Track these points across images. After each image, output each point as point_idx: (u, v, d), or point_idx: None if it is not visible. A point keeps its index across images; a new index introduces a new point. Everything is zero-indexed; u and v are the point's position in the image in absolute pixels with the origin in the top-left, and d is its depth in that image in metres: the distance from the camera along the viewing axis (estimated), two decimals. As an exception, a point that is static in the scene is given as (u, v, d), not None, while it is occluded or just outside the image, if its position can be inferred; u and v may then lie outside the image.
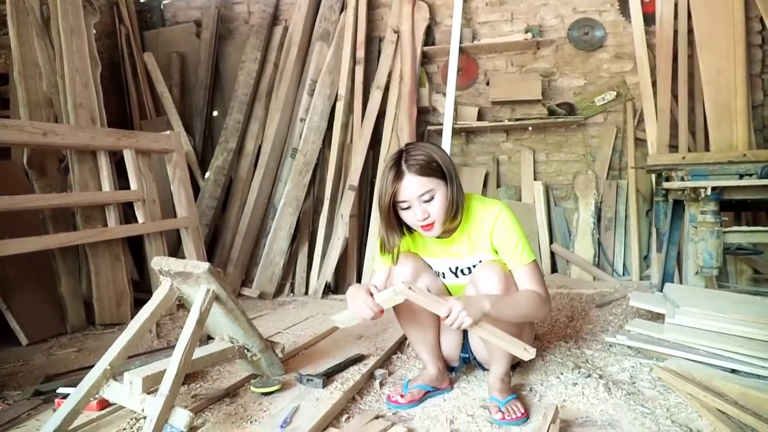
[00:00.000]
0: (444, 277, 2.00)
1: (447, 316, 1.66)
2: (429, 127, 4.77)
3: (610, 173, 4.59)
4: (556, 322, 3.05)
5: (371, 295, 1.73)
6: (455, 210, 1.80)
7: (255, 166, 4.60)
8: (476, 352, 2.10)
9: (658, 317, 2.78)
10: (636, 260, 4.36)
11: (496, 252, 1.89)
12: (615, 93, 4.56)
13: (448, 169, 1.78)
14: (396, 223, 1.87)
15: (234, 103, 4.69)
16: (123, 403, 1.73)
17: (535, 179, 4.73)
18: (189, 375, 2.16)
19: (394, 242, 1.89)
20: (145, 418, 1.68)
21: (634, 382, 2.11)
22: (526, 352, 1.72)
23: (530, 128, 4.75)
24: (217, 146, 4.66)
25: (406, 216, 1.81)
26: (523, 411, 1.83)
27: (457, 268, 1.96)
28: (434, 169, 1.76)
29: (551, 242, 4.61)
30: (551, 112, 4.58)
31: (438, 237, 1.92)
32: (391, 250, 1.91)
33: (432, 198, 1.76)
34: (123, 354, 1.80)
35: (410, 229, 1.92)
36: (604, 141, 4.61)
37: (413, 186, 1.75)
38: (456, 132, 4.74)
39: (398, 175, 1.76)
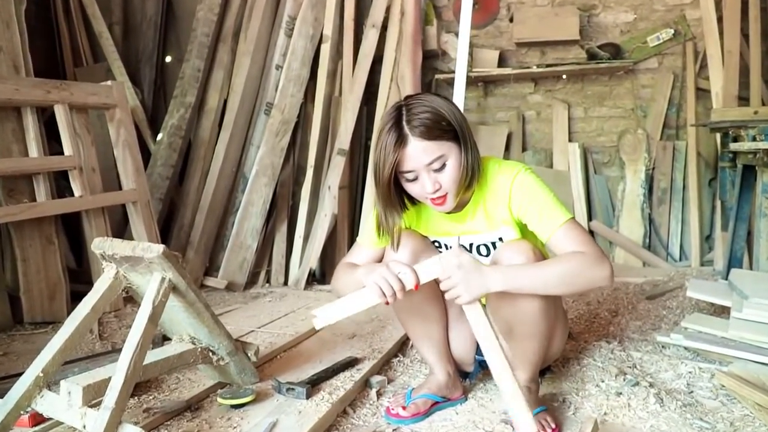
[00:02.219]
0: None
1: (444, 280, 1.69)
2: (437, 76, 4.75)
3: (664, 132, 4.59)
4: (595, 317, 3.08)
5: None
6: (470, 177, 1.80)
7: (220, 125, 4.58)
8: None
9: (722, 311, 2.80)
10: (696, 241, 4.38)
11: (519, 226, 1.89)
12: (672, 31, 4.54)
13: (460, 127, 1.76)
14: (397, 200, 1.86)
15: (192, 46, 4.66)
16: (60, 417, 1.74)
17: (570, 140, 4.73)
18: (140, 384, 2.17)
19: (394, 223, 1.87)
20: (87, 436, 1.70)
21: (692, 391, 2.13)
22: (523, 413, 1.68)
23: (565, 76, 4.74)
24: (171, 101, 4.63)
25: (411, 188, 1.80)
26: (554, 426, 1.84)
27: (471, 245, 1.97)
28: (444, 129, 1.73)
29: (590, 219, 4.62)
30: (591, 56, 4.56)
31: (449, 212, 1.93)
32: (390, 232, 1.90)
33: (443, 166, 1.75)
34: (59, 359, 1.81)
35: (413, 200, 1.91)
36: (657, 92, 4.60)
37: (420, 153, 1.72)
38: (471, 82, 4.72)
39: (400, 140, 1.72)
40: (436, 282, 1.73)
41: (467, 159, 1.78)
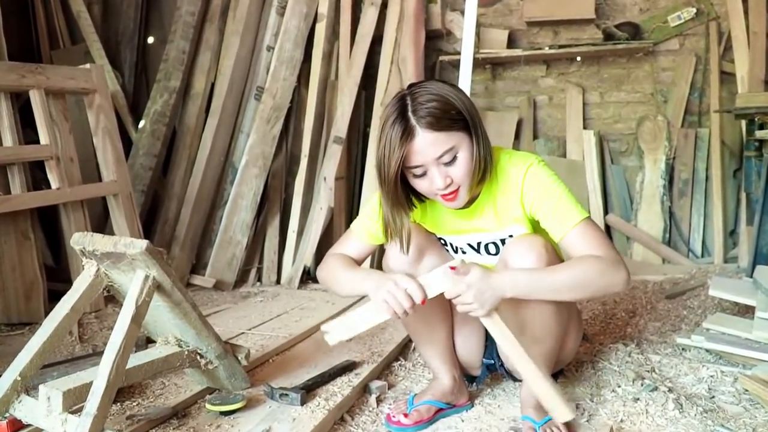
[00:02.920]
0: (464, 253, 2.02)
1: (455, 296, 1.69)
2: (442, 58, 4.75)
3: (686, 119, 4.60)
4: (612, 318, 3.09)
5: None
6: (483, 169, 1.79)
7: (207, 111, 4.59)
8: (505, 356, 2.13)
9: (746, 311, 2.81)
10: (719, 236, 4.39)
11: (531, 223, 1.90)
12: (694, 10, 4.54)
13: (471, 115, 1.75)
14: (404, 198, 1.84)
15: (176, 27, 4.66)
16: (39, 424, 1.76)
17: (585, 127, 4.73)
18: (123, 390, 2.18)
19: (402, 224, 1.86)
20: (67, 445, 1.71)
21: (713, 396, 2.15)
22: (561, 406, 1.70)
23: (579, 58, 4.74)
24: (154, 85, 4.64)
25: (419, 185, 1.79)
26: (565, 434, 1.87)
27: (479, 243, 1.98)
28: (454, 118, 1.72)
29: (606, 212, 4.63)
30: (608, 36, 4.56)
31: (456, 208, 1.94)
32: (399, 234, 1.87)
33: (454, 158, 1.74)
34: (37, 362, 1.82)
35: (420, 197, 1.92)
36: (679, 75, 4.60)
37: (429, 146, 1.71)
38: (478, 64, 4.72)
39: (407, 133, 1.70)
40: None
41: (479, 150, 1.76)
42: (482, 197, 1.90)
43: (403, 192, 1.82)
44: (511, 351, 1.72)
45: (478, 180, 1.80)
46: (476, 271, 1.68)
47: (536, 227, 1.91)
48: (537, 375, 1.70)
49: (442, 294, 1.76)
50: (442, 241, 2.03)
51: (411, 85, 1.80)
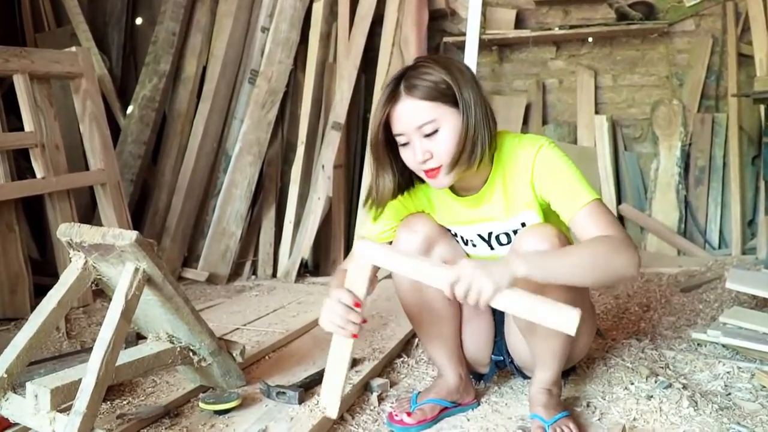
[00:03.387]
0: (474, 246, 2.03)
1: (455, 288, 1.59)
2: (446, 39, 4.74)
3: (703, 104, 4.60)
4: (625, 312, 3.10)
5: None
6: (473, 150, 1.78)
7: (198, 96, 4.59)
8: (515, 352, 2.13)
9: (765, 304, 2.82)
10: (737, 226, 4.39)
11: (543, 208, 1.90)
12: (711, -12, 4.54)
13: (464, 93, 1.77)
14: (390, 163, 1.89)
15: (166, 7, 4.65)
16: (27, 422, 1.77)
17: (596, 112, 4.73)
18: (112, 388, 2.19)
19: (384, 187, 1.90)
20: (55, 444, 1.73)
21: (729, 393, 2.16)
22: (567, 318, 1.55)
23: (591, 39, 4.73)
24: (143, 68, 4.64)
25: (405, 156, 1.82)
26: (576, 433, 1.88)
27: (490, 234, 1.99)
28: (441, 91, 1.75)
29: (619, 202, 4.64)
30: (621, 16, 4.55)
31: (462, 195, 1.95)
32: (379, 203, 1.92)
33: (435, 131, 1.76)
34: (23, 358, 1.83)
35: (421, 180, 1.93)
36: (695, 58, 4.59)
37: (408, 113, 1.76)
38: (484, 46, 4.72)
39: (392, 96, 1.78)
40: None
41: (468, 126, 1.76)
42: (490, 181, 1.90)
43: (389, 156, 1.87)
44: (537, 313, 1.59)
45: (466, 162, 1.79)
46: (466, 261, 1.63)
47: (548, 214, 1.91)
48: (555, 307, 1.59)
49: None
50: (453, 233, 2.04)
51: (419, 58, 1.86)
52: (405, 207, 2.02)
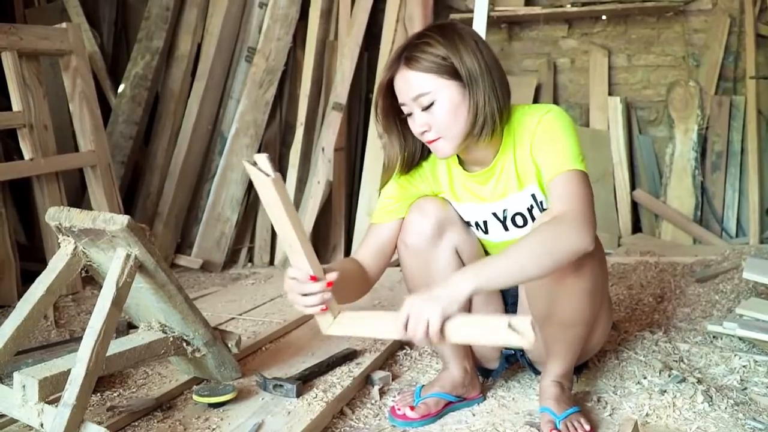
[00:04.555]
0: (486, 231, 2.03)
1: (407, 327, 1.61)
2: (452, 16, 4.72)
3: (720, 85, 4.58)
4: (638, 303, 3.10)
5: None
6: (476, 122, 1.80)
7: (193, 75, 4.58)
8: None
9: (784, 296, 2.82)
10: (755, 214, 4.38)
11: (539, 178, 1.90)
12: (730, -35, 4.51)
13: (467, 65, 1.78)
14: (397, 132, 1.94)
15: (160, -20, 4.64)
16: (14, 414, 1.77)
17: (610, 94, 4.72)
18: (102, 379, 2.19)
19: (392, 155, 1.96)
20: (44, 437, 1.73)
21: (745, 388, 2.16)
22: (513, 331, 1.52)
23: (604, 17, 4.71)
24: (135, 45, 4.62)
25: (410, 125, 1.87)
26: (588, 429, 1.87)
27: (505, 212, 1.98)
28: (440, 65, 1.78)
29: (633, 188, 4.63)
30: (636, -7, 4.54)
31: (472, 171, 1.96)
32: (388, 171, 1.98)
33: (432, 104, 1.79)
34: (10, 347, 1.83)
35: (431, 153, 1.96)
36: (711, 37, 4.57)
37: (406, 84, 1.81)
38: (493, 23, 4.70)
39: (393, 65, 1.84)
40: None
41: (470, 102, 1.79)
42: (501, 155, 1.91)
43: (396, 126, 1.93)
44: (480, 336, 1.64)
45: (470, 134, 1.81)
46: (412, 296, 1.66)
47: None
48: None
49: None
50: (466, 221, 2.04)
51: (434, 24, 1.98)
52: (410, 183, 2.03)
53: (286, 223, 1.63)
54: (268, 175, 1.55)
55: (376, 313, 1.81)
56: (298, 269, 1.70)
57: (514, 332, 1.51)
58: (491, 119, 1.80)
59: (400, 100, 1.83)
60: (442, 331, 1.58)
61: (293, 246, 1.68)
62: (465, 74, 1.78)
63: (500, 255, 1.70)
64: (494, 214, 1.99)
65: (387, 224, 2.02)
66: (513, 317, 1.54)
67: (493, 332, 1.56)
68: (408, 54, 1.80)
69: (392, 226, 2.02)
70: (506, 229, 2.00)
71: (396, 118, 1.91)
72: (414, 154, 1.97)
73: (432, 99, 1.78)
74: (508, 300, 2.11)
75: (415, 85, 1.79)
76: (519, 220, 1.97)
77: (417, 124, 1.81)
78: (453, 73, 1.78)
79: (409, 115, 1.83)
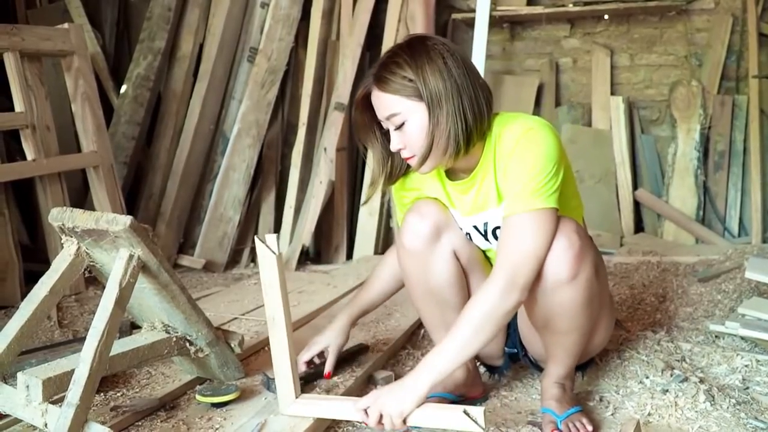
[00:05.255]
0: (470, 239, 2.04)
1: (368, 413, 1.77)
2: (454, 16, 4.73)
3: (722, 85, 4.58)
4: (640, 303, 3.10)
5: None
6: (438, 144, 1.79)
7: (195, 75, 4.59)
8: (529, 343, 2.14)
9: (787, 295, 2.82)
10: (758, 214, 4.38)
11: None
12: (732, -36, 4.51)
13: (430, 88, 1.76)
14: (379, 145, 1.96)
15: (162, -19, 4.65)
16: (17, 414, 1.78)
17: (612, 93, 4.72)
18: (106, 379, 2.19)
19: (376, 167, 1.99)
20: (48, 436, 1.74)
21: (747, 387, 2.17)
22: (468, 418, 1.69)
23: (606, 17, 4.71)
24: (137, 46, 4.63)
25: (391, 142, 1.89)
26: (590, 429, 1.87)
27: (485, 225, 1.98)
28: (406, 87, 1.77)
29: (635, 187, 4.63)
30: (638, -7, 4.54)
31: (454, 179, 1.97)
32: (373, 183, 2.01)
33: (403, 124, 1.80)
34: (14, 348, 1.83)
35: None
36: (714, 37, 4.57)
37: (377, 104, 1.83)
38: (495, 23, 4.70)
39: (366, 83, 1.86)
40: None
41: (434, 126, 1.77)
42: (481, 166, 1.90)
43: (377, 139, 1.96)
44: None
45: (439, 155, 1.81)
46: (374, 391, 1.83)
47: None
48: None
49: (460, 277, 1.99)
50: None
51: (408, 37, 1.89)
52: (403, 188, 2.08)
53: (277, 299, 1.89)
54: (273, 253, 1.82)
55: (337, 398, 1.98)
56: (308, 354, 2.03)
57: (469, 419, 1.67)
58: (454, 142, 1.78)
59: (378, 116, 1.85)
60: (404, 421, 1.73)
61: (276, 320, 1.90)
62: (426, 97, 1.76)
63: (447, 339, 1.76)
64: (475, 227, 2.00)
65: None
66: (469, 407, 1.70)
67: (450, 419, 1.71)
68: (378, 73, 1.81)
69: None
70: (488, 240, 2.01)
71: (378, 130, 1.93)
72: (401, 165, 1.98)
73: (403, 119, 1.79)
74: None
75: (386, 106, 1.80)
76: (499, 233, 1.96)
77: (393, 141, 1.83)
78: (419, 96, 1.77)
79: (388, 130, 1.85)
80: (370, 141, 1.96)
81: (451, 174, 1.98)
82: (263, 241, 1.83)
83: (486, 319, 1.73)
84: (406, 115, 1.78)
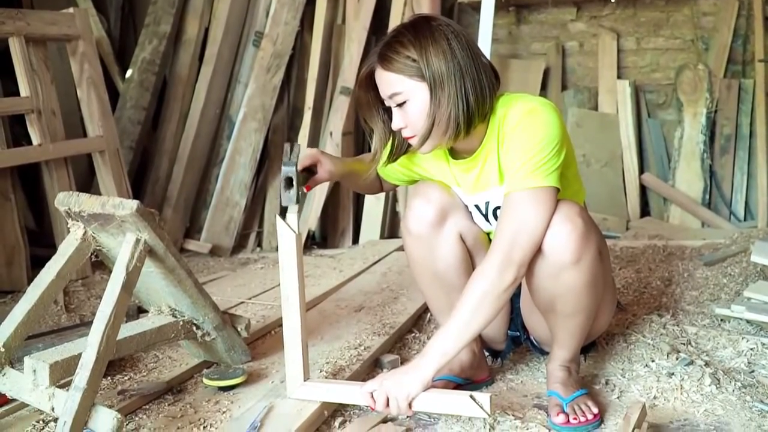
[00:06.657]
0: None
1: (375, 397, 1.79)
2: (460, 0, 4.71)
3: (729, 68, 4.56)
4: (646, 287, 3.09)
5: None
6: (439, 125, 1.79)
7: (200, 59, 4.58)
8: (532, 328, 2.15)
9: (793, 279, 2.81)
10: (764, 197, 4.37)
11: None
12: (739, -54, 4.48)
13: (432, 68, 1.76)
14: (381, 123, 1.97)
15: (167, -35, 4.64)
16: (24, 398, 1.79)
17: (619, 77, 4.70)
18: (113, 363, 2.21)
19: (380, 144, 1.99)
20: (56, 420, 1.73)
21: (753, 371, 2.16)
22: (474, 403, 1.72)
23: (613, 0, 4.69)
24: (142, 30, 4.62)
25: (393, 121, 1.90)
26: (596, 412, 1.87)
27: (487, 204, 1.99)
28: (409, 66, 1.77)
29: (641, 171, 4.62)
30: (644, -24, 4.51)
31: (456, 157, 1.97)
32: (378, 158, 2.01)
33: (405, 103, 1.80)
34: (21, 332, 1.84)
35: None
36: (720, 20, 4.55)
37: (380, 82, 1.84)
38: (501, 6, 4.68)
39: (370, 60, 1.86)
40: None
41: (435, 106, 1.77)
42: (484, 146, 1.90)
43: (380, 117, 1.97)
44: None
45: (440, 135, 1.81)
46: (380, 375, 1.85)
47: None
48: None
49: (466, 261, 1.99)
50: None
51: (413, 17, 1.89)
52: (411, 162, 2.07)
53: (293, 279, 1.88)
54: (293, 231, 1.83)
55: (343, 382, 1.99)
56: None
57: (476, 404, 1.70)
58: (455, 124, 1.78)
59: (381, 94, 1.85)
60: (409, 405, 1.76)
61: (290, 300, 1.91)
62: (429, 78, 1.76)
63: (449, 322, 1.77)
64: (477, 206, 2.00)
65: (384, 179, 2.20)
66: (475, 393, 1.74)
67: (456, 404, 1.75)
68: (382, 52, 1.80)
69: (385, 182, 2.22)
70: (488, 221, 2.01)
71: (381, 109, 1.94)
72: (402, 144, 1.97)
73: (404, 99, 1.79)
74: None
75: (388, 85, 1.80)
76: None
77: (394, 120, 1.84)
78: (422, 76, 1.77)
79: (390, 108, 1.86)
80: (372, 119, 1.96)
81: (454, 153, 1.98)
82: (284, 219, 1.84)
83: (484, 297, 1.74)
84: (408, 95, 1.78)
